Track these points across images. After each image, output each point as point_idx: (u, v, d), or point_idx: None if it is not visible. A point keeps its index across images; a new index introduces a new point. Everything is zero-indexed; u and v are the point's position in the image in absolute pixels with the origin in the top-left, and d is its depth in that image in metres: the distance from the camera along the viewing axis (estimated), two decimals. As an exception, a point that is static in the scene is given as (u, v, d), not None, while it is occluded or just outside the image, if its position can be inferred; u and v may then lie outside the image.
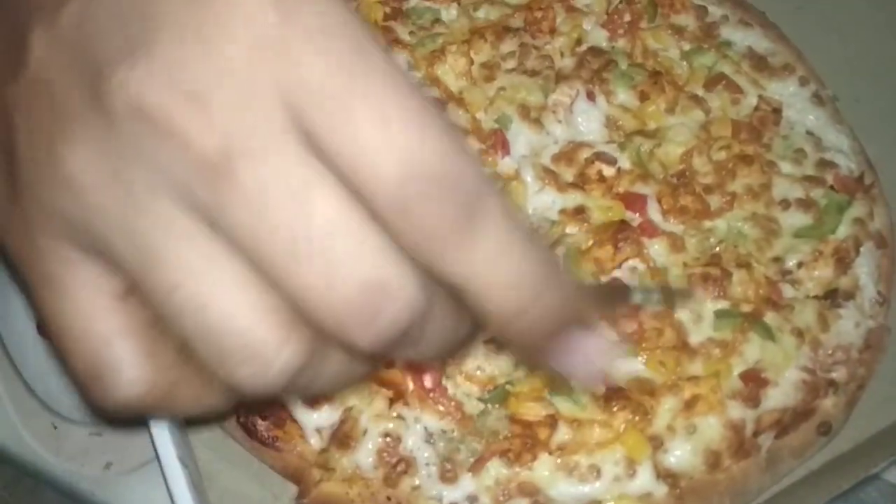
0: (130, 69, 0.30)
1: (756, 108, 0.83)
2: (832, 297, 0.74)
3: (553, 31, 0.87)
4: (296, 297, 0.31)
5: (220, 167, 0.29)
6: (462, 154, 0.31)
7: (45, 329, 0.76)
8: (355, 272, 0.30)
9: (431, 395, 0.67)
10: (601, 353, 0.37)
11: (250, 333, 0.31)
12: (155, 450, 0.60)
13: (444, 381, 0.67)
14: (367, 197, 0.30)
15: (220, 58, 0.30)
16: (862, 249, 0.77)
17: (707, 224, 0.77)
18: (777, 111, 0.83)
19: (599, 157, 0.79)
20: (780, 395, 0.69)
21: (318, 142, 0.30)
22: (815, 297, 0.75)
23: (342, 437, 0.66)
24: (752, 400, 0.68)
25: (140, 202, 0.31)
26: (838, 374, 0.71)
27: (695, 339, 0.71)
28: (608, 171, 0.78)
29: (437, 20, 0.87)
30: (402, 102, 0.30)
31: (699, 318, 0.72)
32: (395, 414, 0.66)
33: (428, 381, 0.67)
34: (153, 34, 0.31)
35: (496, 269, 0.32)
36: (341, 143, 0.30)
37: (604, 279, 0.73)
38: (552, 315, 0.34)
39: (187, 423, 0.68)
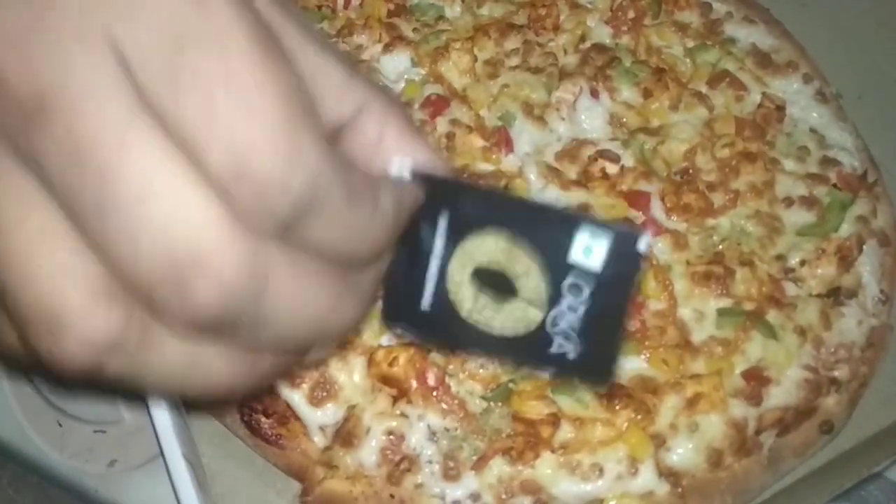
0: None
1: (760, 106, 0.83)
2: (835, 296, 0.74)
3: (557, 28, 0.87)
4: (105, 258, 0.28)
5: (33, 111, 0.27)
6: (293, 143, 0.28)
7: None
8: (165, 237, 0.27)
9: (435, 393, 0.67)
10: None
11: (49, 296, 0.28)
12: (160, 446, 0.60)
13: (447, 380, 0.68)
14: (199, 161, 0.28)
15: None
16: (865, 247, 0.77)
17: (710, 222, 0.77)
18: (780, 108, 0.83)
19: (603, 154, 0.78)
20: (783, 393, 0.70)
21: (148, 98, 0.28)
22: (818, 295, 0.75)
23: (346, 435, 0.66)
24: (755, 398, 0.69)
25: None
26: (840, 373, 0.71)
27: (697, 337, 0.71)
28: (611, 169, 0.78)
29: (441, 17, 0.87)
30: (235, 76, 0.27)
31: (702, 317, 0.72)
32: (398, 412, 0.67)
33: (431, 379, 0.67)
34: None
35: (339, 257, 0.31)
36: (169, 109, 0.27)
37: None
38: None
39: (190, 412, 0.68)
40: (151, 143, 0.27)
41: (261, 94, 0.27)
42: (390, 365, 0.66)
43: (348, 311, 0.33)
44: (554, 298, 0.37)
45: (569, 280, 0.36)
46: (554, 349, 0.38)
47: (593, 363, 0.38)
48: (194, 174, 0.28)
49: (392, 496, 0.65)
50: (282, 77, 0.28)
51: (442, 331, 0.40)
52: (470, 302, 0.38)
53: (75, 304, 0.28)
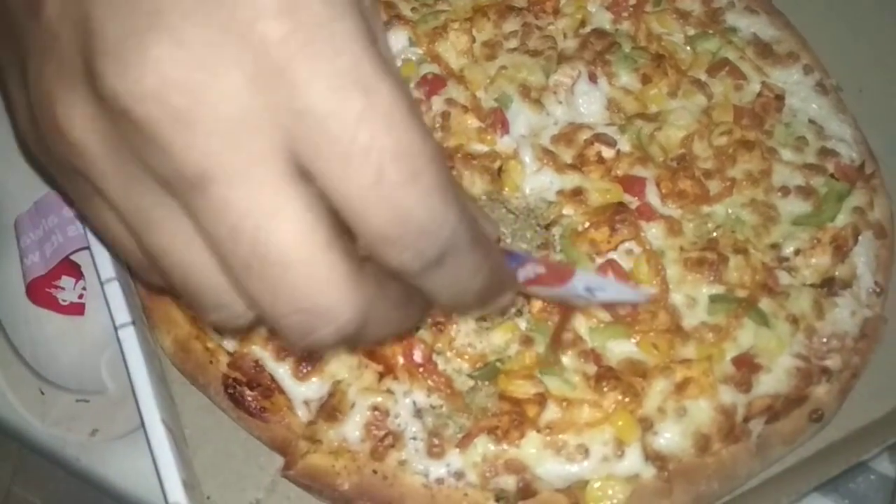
0: (122, 70, 0.31)
1: (759, 95, 0.83)
2: (829, 286, 0.74)
3: (557, 12, 0.87)
4: (248, 302, 0.35)
5: (195, 185, 0.31)
6: (445, 203, 0.33)
7: (35, 294, 0.76)
8: (296, 295, 0.33)
9: (421, 370, 0.66)
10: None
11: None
12: (140, 414, 0.59)
13: (434, 357, 0.67)
14: (348, 225, 0.33)
15: (223, 81, 0.31)
16: (860, 238, 0.76)
17: (705, 209, 0.76)
18: (780, 98, 0.82)
19: (599, 138, 0.78)
20: (773, 380, 0.69)
21: (308, 170, 0.32)
22: (812, 284, 0.74)
23: (330, 409, 0.65)
24: (744, 385, 0.68)
25: (133, 174, 0.34)
26: (832, 362, 0.71)
27: (688, 322, 0.71)
28: (607, 154, 0.77)
29: (440, -3, 0.87)
30: (401, 151, 0.32)
31: (694, 303, 0.71)
32: (384, 388, 0.66)
33: (418, 355, 0.66)
34: (153, 29, 0.31)
35: (450, 291, 0.38)
36: (334, 179, 0.32)
37: (600, 261, 0.72)
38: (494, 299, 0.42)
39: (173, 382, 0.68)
40: (301, 212, 0.32)
41: (422, 163, 0.32)
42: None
43: (411, 323, 0.41)
44: None
45: None
46: None
47: None
48: (332, 237, 0.33)
49: (375, 472, 0.64)
50: (431, 145, 0.33)
51: None
52: None
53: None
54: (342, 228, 0.33)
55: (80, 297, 0.75)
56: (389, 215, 0.32)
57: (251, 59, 0.31)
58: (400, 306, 0.38)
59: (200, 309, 0.37)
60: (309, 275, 0.33)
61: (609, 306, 0.70)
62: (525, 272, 0.46)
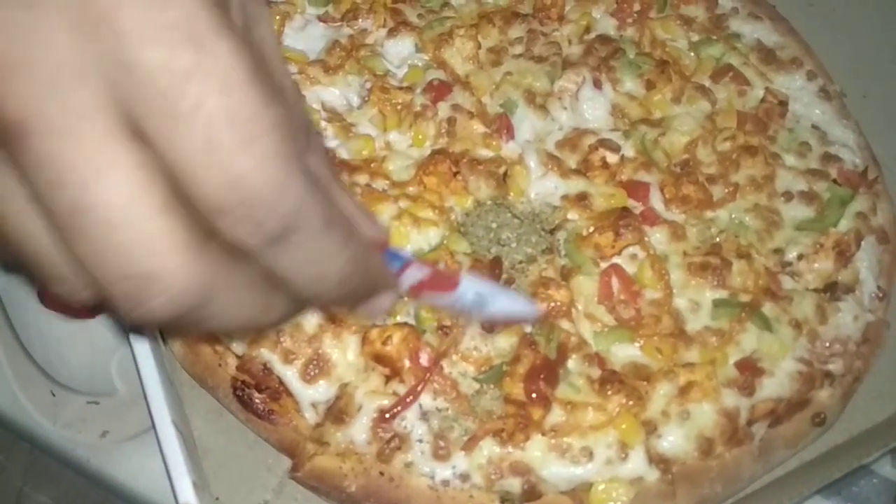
0: None
1: (762, 101, 0.83)
2: (831, 290, 0.74)
3: (562, 19, 0.87)
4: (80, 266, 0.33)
5: (16, 135, 0.30)
6: (287, 174, 0.31)
7: (47, 299, 0.77)
8: (129, 261, 0.31)
9: (427, 373, 0.67)
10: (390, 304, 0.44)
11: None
12: (150, 415, 0.60)
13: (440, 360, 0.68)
14: (186, 186, 0.31)
15: (44, 26, 0.29)
16: (863, 244, 0.77)
17: (709, 214, 0.77)
18: (783, 104, 0.83)
19: (603, 144, 0.79)
20: (776, 384, 0.69)
21: (141, 128, 0.30)
22: (815, 289, 0.75)
23: (337, 412, 0.66)
24: (748, 388, 0.68)
25: None
26: (835, 367, 0.71)
27: (692, 326, 0.71)
28: (612, 159, 0.78)
29: (447, 4, 0.87)
30: (236, 114, 0.30)
31: (697, 307, 0.72)
32: (390, 391, 0.67)
33: (424, 359, 0.67)
34: None
35: (304, 275, 0.35)
36: (163, 138, 0.30)
37: (604, 265, 0.73)
38: (360, 291, 0.39)
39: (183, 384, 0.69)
40: (129, 171, 0.30)
41: (260, 129, 0.30)
42: (384, 344, 0.66)
43: (275, 316, 0.38)
44: None
45: None
46: None
47: None
48: (168, 201, 0.31)
49: (381, 473, 0.65)
50: (275, 112, 0.31)
51: None
52: None
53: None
54: (186, 195, 0.31)
55: (91, 300, 0.76)
56: (221, 181, 0.30)
57: (76, 5, 0.29)
58: (254, 289, 0.35)
59: (44, 281, 0.35)
60: (137, 239, 0.31)
61: (612, 309, 0.70)
62: (408, 276, 0.44)
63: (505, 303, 0.51)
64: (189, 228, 0.32)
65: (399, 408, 0.65)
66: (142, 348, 0.62)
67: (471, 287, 0.47)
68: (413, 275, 0.45)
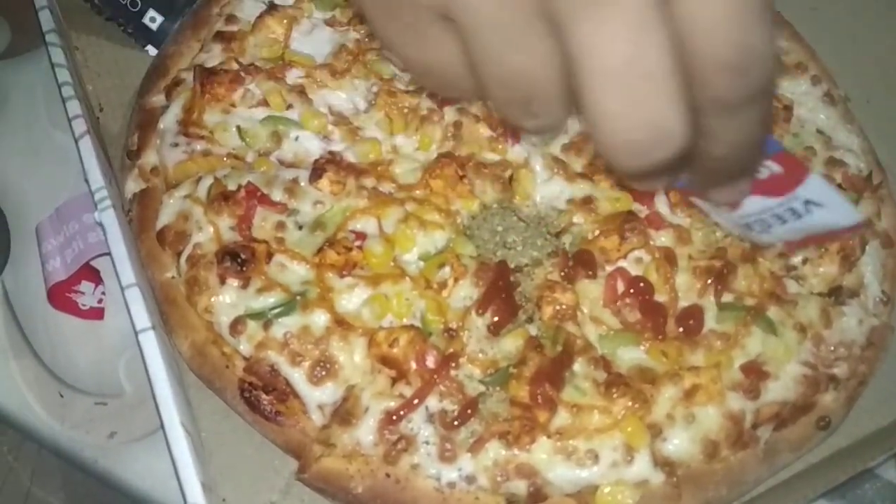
0: None
1: (767, 105, 0.83)
2: (836, 294, 0.75)
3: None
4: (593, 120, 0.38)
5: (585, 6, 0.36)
6: (772, 43, 0.39)
7: (55, 299, 0.77)
8: (645, 113, 0.37)
9: (434, 375, 0.67)
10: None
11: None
12: (159, 416, 0.60)
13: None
14: (690, 58, 0.37)
15: None
16: (868, 248, 0.77)
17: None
18: (788, 108, 0.83)
19: (609, 148, 0.79)
20: (781, 388, 0.70)
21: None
22: (819, 293, 0.75)
23: (344, 413, 0.66)
24: (753, 392, 0.69)
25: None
26: (839, 370, 0.72)
27: (697, 330, 0.71)
28: (617, 163, 0.78)
29: (453, 8, 0.87)
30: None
31: (702, 311, 0.72)
32: (397, 393, 0.67)
33: (431, 361, 0.67)
34: None
35: (735, 139, 0.43)
36: (687, 16, 0.36)
37: (609, 269, 0.73)
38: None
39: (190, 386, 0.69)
40: (655, 36, 0.36)
41: (762, 6, 0.37)
42: (391, 346, 0.67)
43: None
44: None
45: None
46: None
47: None
48: (676, 64, 0.36)
49: (388, 475, 0.65)
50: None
51: None
52: None
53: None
54: (693, 53, 0.37)
55: (100, 301, 0.76)
56: (736, 40, 0.37)
57: None
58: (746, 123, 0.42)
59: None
60: (656, 92, 0.36)
61: (617, 313, 0.71)
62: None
63: (829, 211, 0.57)
64: (685, 91, 0.37)
65: (405, 410, 0.66)
66: (151, 349, 0.62)
67: (811, 187, 0.53)
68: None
